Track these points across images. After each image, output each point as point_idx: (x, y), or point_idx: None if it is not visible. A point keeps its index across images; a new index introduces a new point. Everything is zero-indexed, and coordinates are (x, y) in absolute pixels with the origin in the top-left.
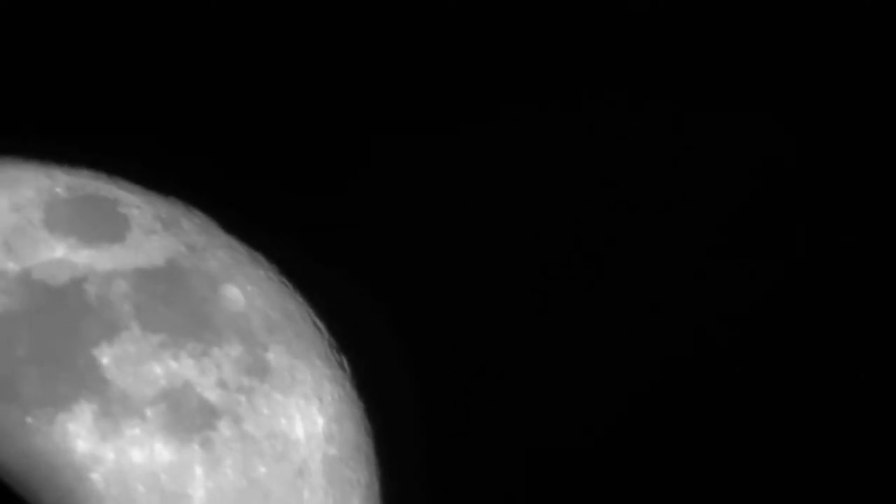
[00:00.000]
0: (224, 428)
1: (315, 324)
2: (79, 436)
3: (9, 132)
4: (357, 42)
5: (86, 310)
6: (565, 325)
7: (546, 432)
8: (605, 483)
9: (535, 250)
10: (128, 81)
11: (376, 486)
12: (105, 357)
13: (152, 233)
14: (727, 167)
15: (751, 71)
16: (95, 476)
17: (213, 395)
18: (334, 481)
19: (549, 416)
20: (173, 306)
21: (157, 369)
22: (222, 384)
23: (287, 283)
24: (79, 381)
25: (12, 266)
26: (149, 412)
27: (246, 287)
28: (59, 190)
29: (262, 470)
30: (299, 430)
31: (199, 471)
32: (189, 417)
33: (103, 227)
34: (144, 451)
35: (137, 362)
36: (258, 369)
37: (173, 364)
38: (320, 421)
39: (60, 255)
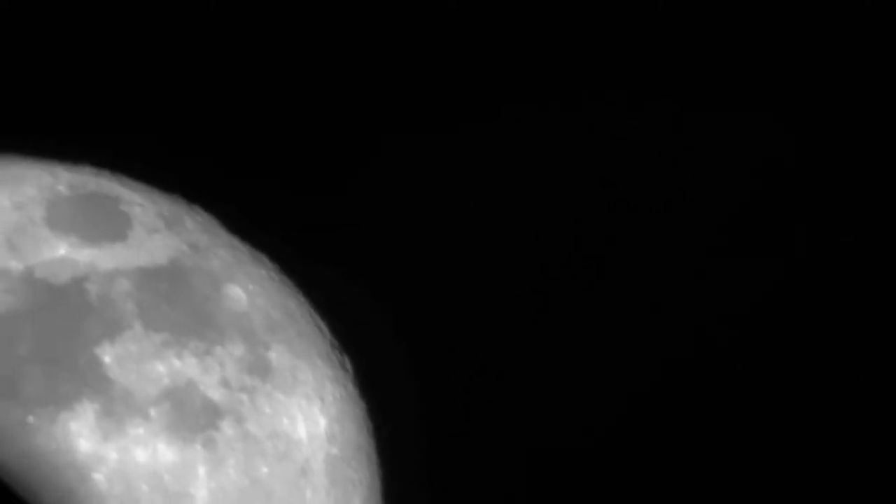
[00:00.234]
0: (227, 427)
1: (316, 323)
2: (81, 435)
3: (11, 130)
4: (358, 42)
5: (88, 308)
6: (565, 325)
7: (547, 432)
8: (605, 483)
9: (535, 250)
10: (130, 80)
11: (378, 486)
12: (107, 356)
13: (155, 231)
14: (727, 167)
15: (751, 71)
16: (98, 476)
17: (216, 394)
18: (336, 481)
19: (549, 415)
20: (176, 305)
21: (160, 368)
22: (225, 383)
23: (289, 282)
24: (81, 380)
25: (15, 264)
26: (152, 411)
27: (248, 286)
28: (61, 188)
29: (265, 470)
30: (301, 430)
31: (201, 470)
32: (192, 417)
33: (105, 225)
34: (147, 450)
35: (140, 361)
36: (260, 369)
37: (176, 363)
38: (322, 421)
39: (62, 253)
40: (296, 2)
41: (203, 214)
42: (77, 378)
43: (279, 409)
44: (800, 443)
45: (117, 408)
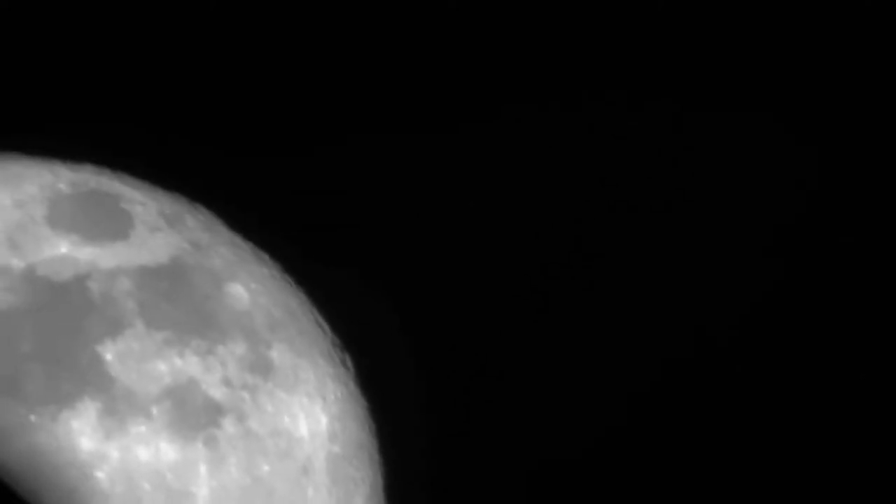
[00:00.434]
0: (228, 425)
1: (318, 322)
2: (83, 434)
3: (12, 129)
4: (359, 43)
5: (89, 307)
6: (565, 325)
7: (548, 431)
8: (605, 483)
9: (535, 250)
10: (132, 78)
11: (380, 485)
12: (109, 354)
13: (156, 230)
14: (727, 167)
15: (751, 71)
16: (100, 474)
17: (218, 392)
18: (338, 479)
19: (551, 415)
20: (177, 304)
21: (162, 366)
22: (227, 382)
23: (290, 280)
24: (83, 378)
25: (16, 262)
26: (154, 410)
27: (250, 285)
28: (62, 186)
29: (266, 468)
30: (303, 428)
31: (203, 469)
32: (194, 415)
33: (107, 223)
34: (149, 448)
35: (142, 359)
36: (262, 367)
37: (178, 361)
38: (324, 419)
39: (64, 251)
40: (298, 2)
41: (204, 212)
42: (79, 376)
43: (281, 407)
44: (800, 442)
45: (119, 406)
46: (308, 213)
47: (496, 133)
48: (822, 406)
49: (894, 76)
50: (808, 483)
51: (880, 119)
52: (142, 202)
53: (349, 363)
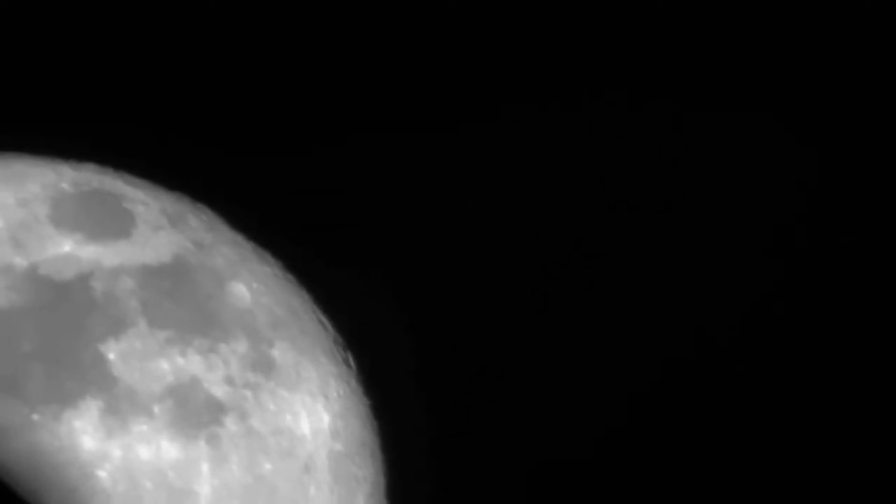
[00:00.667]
0: (230, 424)
1: (320, 320)
2: (85, 432)
3: (15, 128)
4: (360, 43)
5: (92, 306)
6: (566, 325)
7: (549, 430)
8: (607, 482)
9: (536, 250)
10: (134, 77)
11: (382, 483)
12: (111, 353)
13: (159, 229)
14: (727, 167)
15: (751, 71)
16: (102, 473)
17: (220, 391)
18: (340, 478)
19: (551, 414)
20: (180, 302)
21: (164, 365)
22: (229, 380)
23: (292, 279)
24: (85, 377)
25: (19, 261)
26: (156, 408)
27: (252, 284)
28: (65, 185)
29: (268, 466)
30: (305, 427)
31: (205, 467)
32: (196, 414)
33: (109, 222)
34: (151, 447)
35: (144, 358)
36: (264, 366)
37: (180, 360)
38: (326, 417)
39: (67, 250)
40: (298, 2)
41: (207, 212)
42: (81, 375)
43: (283, 405)
44: (801, 443)
45: (121, 405)
46: (309, 213)
47: (496, 133)
48: (823, 406)
49: (894, 76)
50: (808, 483)
51: (880, 119)
52: (144, 201)
53: (351, 361)
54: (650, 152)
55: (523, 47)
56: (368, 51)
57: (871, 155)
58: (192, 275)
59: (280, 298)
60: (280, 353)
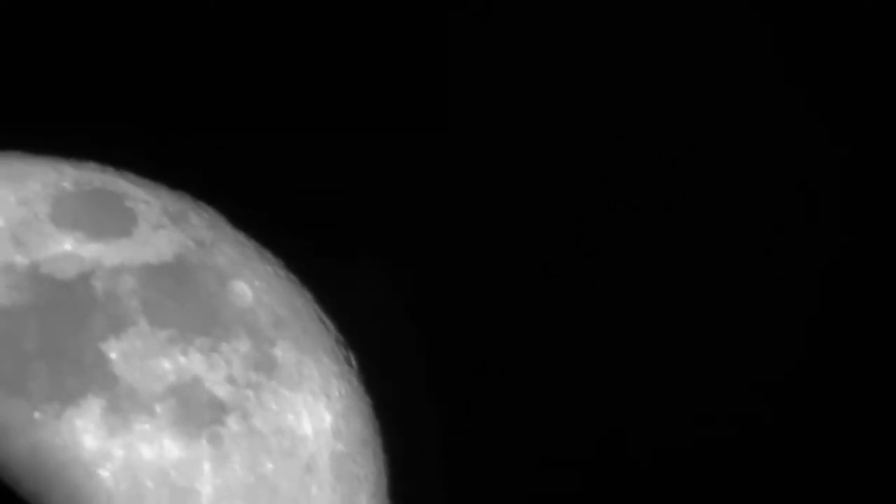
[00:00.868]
0: (232, 423)
1: (322, 320)
2: (87, 431)
3: (15, 126)
4: (362, 43)
5: (93, 304)
6: (566, 324)
7: (550, 429)
8: (607, 481)
9: (536, 249)
10: (136, 77)
11: (384, 482)
12: (113, 352)
13: (160, 227)
14: (727, 167)
15: (751, 70)
16: (104, 472)
17: (221, 390)
18: (342, 477)
19: (552, 412)
20: (181, 301)
21: (166, 364)
22: (231, 380)
23: (294, 278)
24: (87, 376)
25: (20, 260)
26: (157, 408)
27: (254, 282)
28: (66, 184)
29: (270, 466)
30: (307, 426)
31: (207, 466)
32: (198, 413)
33: (111, 221)
34: (153, 446)
35: (145, 357)
36: (266, 365)
37: (182, 359)
38: (328, 417)
39: (68, 249)
40: (299, 4)
41: (208, 210)
42: (83, 374)
43: (285, 405)
44: (801, 442)
45: (123, 404)
46: (311, 211)
47: (497, 133)
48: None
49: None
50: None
51: (881, 119)
52: (146, 200)
53: (353, 360)
54: (650, 152)
55: (524, 47)
56: (371, 51)
57: (872, 155)
58: (193, 274)
59: (282, 297)
60: (282, 352)
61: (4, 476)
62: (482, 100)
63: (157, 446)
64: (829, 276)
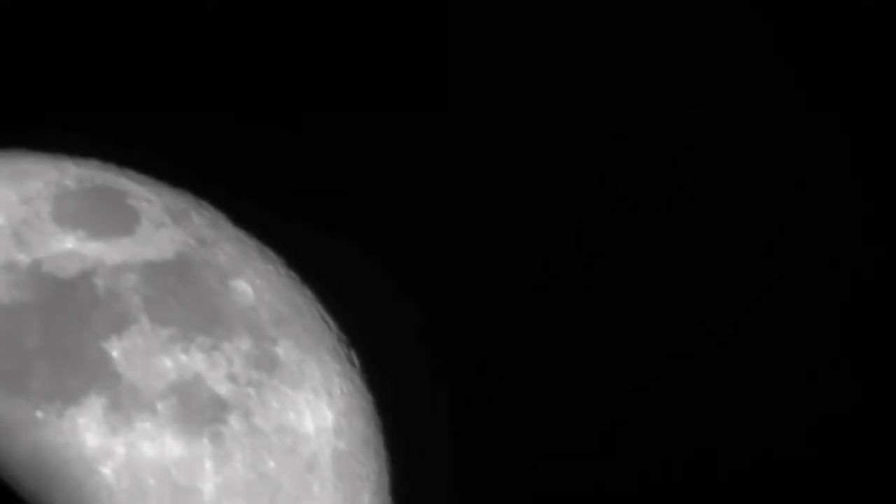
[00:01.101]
0: (234, 422)
1: (323, 318)
2: (89, 429)
3: (16, 124)
4: (366, 44)
5: (95, 303)
6: (567, 323)
7: (550, 427)
8: (608, 481)
9: (537, 249)
10: (137, 74)
11: (386, 481)
12: (115, 350)
13: (162, 226)
14: (727, 167)
15: (750, 70)
16: (105, 470)
17: (223, 388)
18: (344, 476)
19: (553, 411)
20: (183, 300)
21: (168, 363)
22: (232, 378)
23: (295, 277)
24: (89, 374)
25: (22, 258)
26: (159, 406)
27: (255, 281)
28: (68, 182)
29: (272, 464)
30: (308, 425)
31: (208, 465)
32: (199, 411)
33: (112, 219)
34: (155, 444)
35: (147, 356)
36: (267, 363)
37: (183, 357)
38: (329, 415)
39: (70, 247)
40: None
41: (210, 209)
42: (84, 372)
43: (286, 403)
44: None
45: (125, 402)
46: (313, 210)
47: (497, 133)
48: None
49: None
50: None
51: (882, 119)
52: (147, 198)
53: (354, 359)
54: (650, 152)
55: (524, 47)
56: (375, 51)
57: (874, 154)
58: (195, 272)
59: (283, 296)
60: (283, 350)
61: (6, 475)
62: (482, 100)
63: (159, 444)
64: (828, 276)
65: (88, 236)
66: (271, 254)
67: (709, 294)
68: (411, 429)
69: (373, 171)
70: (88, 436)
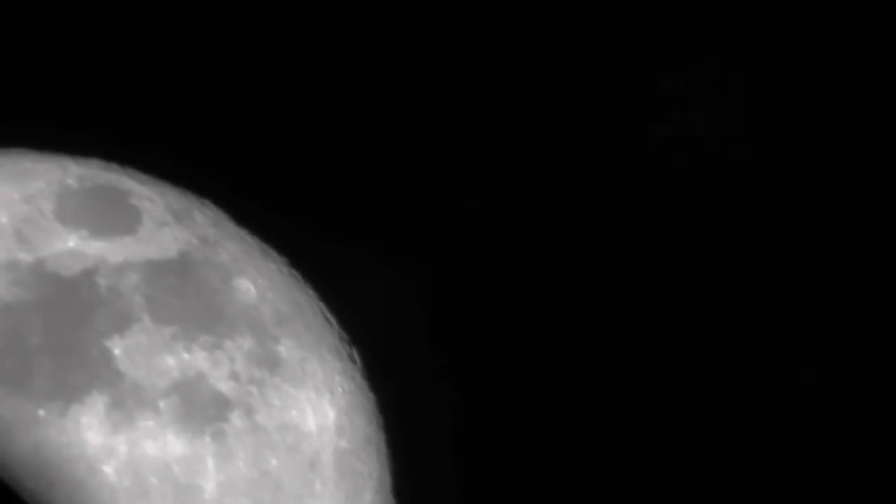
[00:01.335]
0: (236, 420)
1: (325, 316)
2: (91, 428)
3: (20, 123)
4: (363, 44)
5: (98, 301)
6: (567, 322)
7: (550, 426)
8: (608, 479)
9: (537, 248)
10: (140, 74)
11: (387, 479)
12: (117, 349)
13: (164, 225)
14: (727, 167)
15: (751, 70)
16: (107, 468)
17: (225, 387)
18: (345, 474)
19: (553, 410)
20: (185, 298)
21: (170, 361)
22: (234, 376)
23: (297, 275)
24: (91, 372)
25: (24, 257)
26: (161, 404)
27: (257, 280)
28: (70, 181)
29: (274, 462)
30: (311, 423)
31: (211, 463)
32: (201, 409)
33: (115, 218)
34: (157, 443)
35: (150, 354)
36: (269, 361)
37: (185, 356)
38: (331, 413)
39: (72, 246)
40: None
41: (212, 208)
42: (87, 370)
43: (288, 401)
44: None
45: (127, 400)
46: (314, 209)
47: (497, 133)
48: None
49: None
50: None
51: (882, 118)
52: (150, 197)
53: (356, 357)
54: (651, 152)
55: (524, 47)
56: (371, 49)
57: (875, 154)
58: (197, 270)
59: (285, 294)
60: (285, 349)
61: (8, 473)
62: (482, 100)
63: (161, 443)
64: (828, 276)
65: (91, 235)
66: (273, 253)
67: (709, 294)
68: (413, 427)
69: (373, 171)
70: (90, 434)
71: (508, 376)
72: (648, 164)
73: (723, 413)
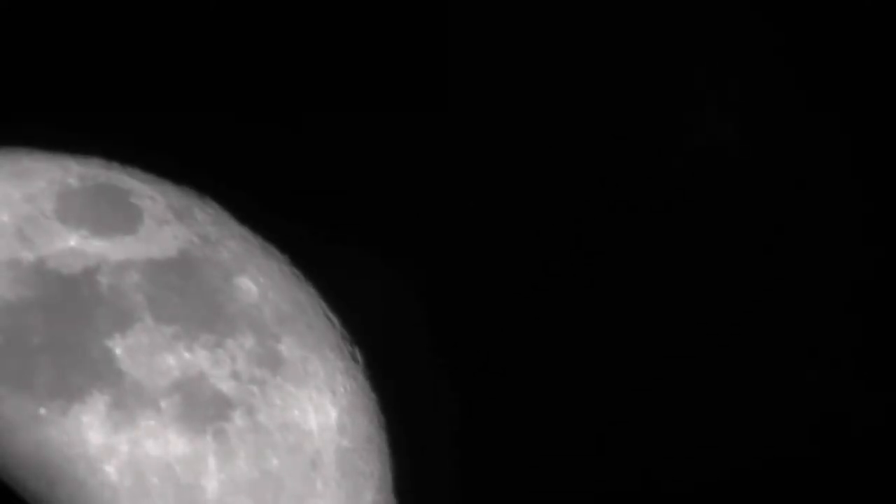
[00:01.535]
0: (237, 419)
1: (327, 315)
2: (92, 427)
3: (20, 123)
4: (363, 44)
5: (99, 300)
6: (568, 322)
7: (550, 425)
8: (609, 478)
9: (537, 248)
10: (140, 73)
11: (389, 478)
12: (118, 348)
13: (165, 223)
14: (726, 166)
15: (750, 69)
16: (109, 468)
17: (226, 386)
18: (347, 473)
19: (555, 410)
20: (186, 297)
21: (171, 360)
22: (236, 375)
23: (299, 274)
24: (92, 372)
25: (26, 255)
26: (163, 403)
27: (259, 278)
28: (71, 180)
29: (275, 462)
30: (312, 422)
31: (212, 462)
32: (203, 409)
33: (116, 217)
34: (158, 442)
35: (151, 353)
36: (271, 361)
37: (187, 355)
38: (333, 413)
39: (73, 245)
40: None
41: (213, 206)
42: (88, 370)
43: (290, 400)
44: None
45: (128, 400)
46: (316, 207)
47: (497, 134)
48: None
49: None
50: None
51: (882, 118)
52: (150, 196)
53: (358, 356)
54: (650, 152)
55: (524, 46)
56: (371, 49)
57: (877, 154)
58: (198, 269)
59: (287, 293)
60: (287, 348)
61: (9, 473)
62: (482, 100)
63: (163, 442)
64: (828, 276)
65: (92, 234)
66: (275, 251)
67: (709, 294)
68: (414, 426)
69: (373, 171)
70: (92, 434)
71: (508, 376)
72: (648, 163)
73: (723, 413)
